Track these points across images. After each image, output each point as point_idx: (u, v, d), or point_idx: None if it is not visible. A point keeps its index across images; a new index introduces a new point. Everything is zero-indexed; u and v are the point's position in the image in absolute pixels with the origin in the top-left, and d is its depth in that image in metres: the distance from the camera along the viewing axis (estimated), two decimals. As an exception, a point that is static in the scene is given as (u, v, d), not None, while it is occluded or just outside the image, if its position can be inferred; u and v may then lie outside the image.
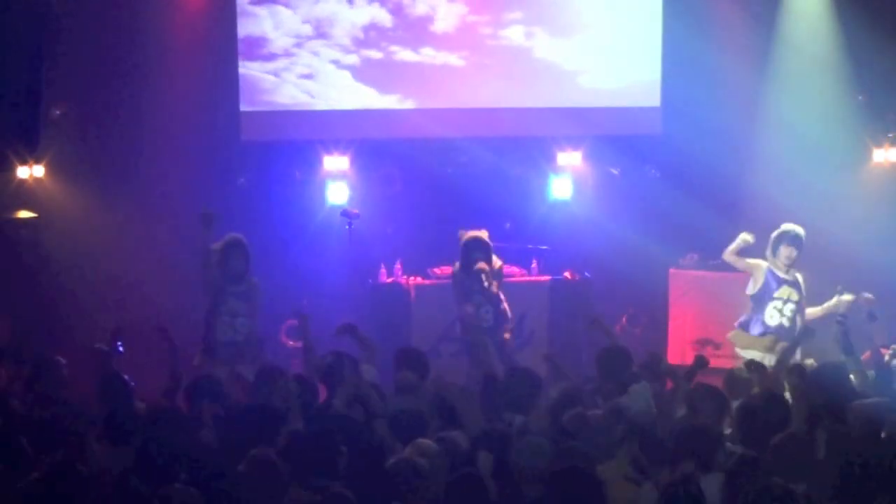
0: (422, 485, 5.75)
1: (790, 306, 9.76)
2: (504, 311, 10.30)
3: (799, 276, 9.88)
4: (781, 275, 9.83)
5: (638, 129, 12.63)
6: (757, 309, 9.91)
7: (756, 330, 9.84)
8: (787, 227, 9.89)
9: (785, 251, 9.81)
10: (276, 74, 12.35)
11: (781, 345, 9.34)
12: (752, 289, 9.94)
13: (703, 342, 11.40)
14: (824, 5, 12.25)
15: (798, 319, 9.75)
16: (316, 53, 12.39)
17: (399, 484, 5.72)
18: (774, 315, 9.78)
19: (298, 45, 12.36)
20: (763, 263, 9.92)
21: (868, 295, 9.35)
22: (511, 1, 12.52)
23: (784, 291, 9.81)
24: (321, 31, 12.37)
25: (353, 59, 12.42)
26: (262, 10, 12.29)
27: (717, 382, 9.14)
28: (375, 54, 12.43)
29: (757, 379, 7.68)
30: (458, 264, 10.29)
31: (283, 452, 6.33)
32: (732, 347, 10.12)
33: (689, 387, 7.50)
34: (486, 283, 10.02)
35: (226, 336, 9.54)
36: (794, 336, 9.45)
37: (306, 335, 8.68)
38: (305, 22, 12.34)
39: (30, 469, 6.30)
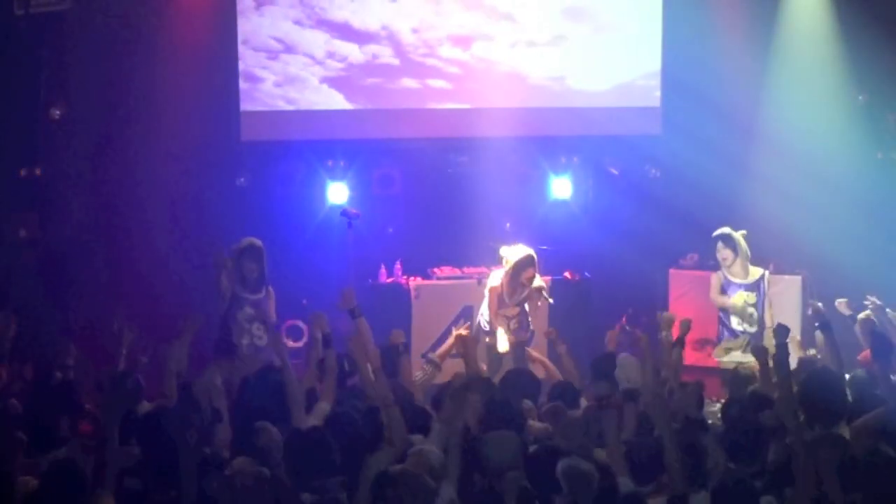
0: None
1: (750, 310, 9.86)
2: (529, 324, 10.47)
3: (762, 277, 9.97)
4: (734, 279, 9.96)
5: (638, 129, 12.63)
6: (724, 319, 10.06)
7: (724, 335, 9.97)
8: (719, 231, 10.05)
9: (718, 256, 10.03)
10: (275, 75, 12.37)
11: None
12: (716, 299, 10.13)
13: (703, 342, 11.35)
14: (824, 5, 12.25)
15: (766, 319, 9.86)
16: (314, 55, 12.40)
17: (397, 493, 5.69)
18: (739, 321, 9.90)
19: (296, 47, 12.37)
20: (718, 276, 10.10)
21: (841, 300, 9.39)
22: (512, 2, 12.51)
23: (740, 296, 9.90)
24: (318, 32, 12.38)
25: (351, 61, 12.42)
26: (255, 12, 12.33)
27: (717, 383, 9.21)
28: (372, 57, 12.44)
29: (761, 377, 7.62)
30: (502, 279, 10.18)
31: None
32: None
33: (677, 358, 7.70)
34: (546, 299, 10.23)
35: (245, 339, 9.55)
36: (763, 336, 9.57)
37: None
38: (300, 22, 12.37)
39: (29, 469, 6.32)
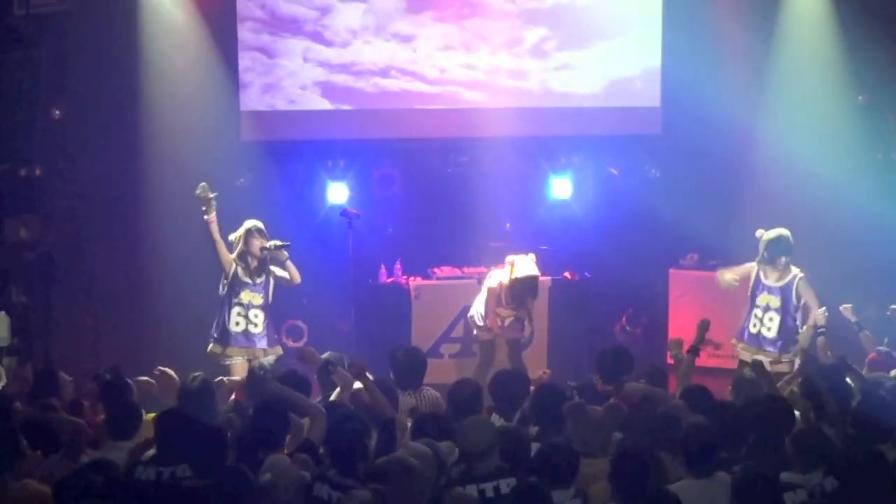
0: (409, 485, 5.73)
1: (770, 314, 9.71)
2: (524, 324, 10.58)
3: (793, 276, 9.78)
4: (765, 281, 9.80)
5: (638, 129, 12.62)
6: (747, 311, 9.93)
7: (745, 337, 9.88)
8: (780, 233, 9.81)
9: (785, 260, 9.76)
10: (274, 76, 12.37)
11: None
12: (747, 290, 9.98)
13: (704, 342, 11.37)
14: (824, 5, 12.24)
15: (783, 329, 9.71)
16: (313, 56, 12.39)
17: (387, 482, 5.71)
18: (756, 323, 9.78)
19: (295, 48, 12.36)
20: (752, 268, 9.91)
21: (846, 305, 9.39)
22: (512, 2, 12.51)
23: (763, 299, 9.78)
24: (317, 29, 12.38)
25: (350, 62, 12.42)
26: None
27: (717, 383, 9.20)
28: (373, 55, 12.44)
29: (763, 381, 7.65)
30: (501, 283, 10.40)
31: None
32: (732, 348, 10.15)
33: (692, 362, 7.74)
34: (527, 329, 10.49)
35: (238, 327, 9.70)
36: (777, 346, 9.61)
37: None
38: (300, 22, 12.37)
39: (30, 470, 6.33)
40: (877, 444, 6.10)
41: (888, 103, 12.18)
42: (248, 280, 9.81)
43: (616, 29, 12.55)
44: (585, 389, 7.68)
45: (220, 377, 8.62)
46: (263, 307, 9.86)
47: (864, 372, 8.26)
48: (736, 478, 5.82)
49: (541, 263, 11.72)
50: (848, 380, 7.53)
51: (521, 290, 10.35)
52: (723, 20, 12.33)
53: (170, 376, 7.97)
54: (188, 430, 6.23)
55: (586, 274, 11.82)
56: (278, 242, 9.82)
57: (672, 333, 11.87)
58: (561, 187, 12.58)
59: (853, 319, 9.27)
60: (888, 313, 9.42)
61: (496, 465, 6.00)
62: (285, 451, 6.48)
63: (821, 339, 8.75)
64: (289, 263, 9.84)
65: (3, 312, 10.68)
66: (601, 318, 12.09)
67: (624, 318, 12.44)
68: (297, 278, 9.92)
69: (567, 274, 11.75)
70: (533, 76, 12.55)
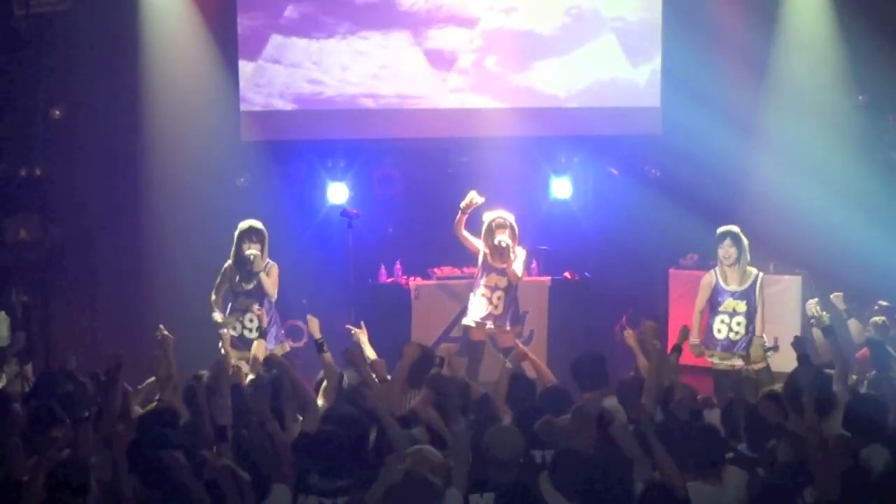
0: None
1: (738, 318, 9.63)
2: (517, 307, 10.39)
3: (755, 280, 9.67)
4: (726, 286, 9.70)
5: (638, 129, 12.63)
6: (709, 319, 9.84)
7: (707, 341, 9.78)
8: (719, 230, 9.81)
9: (720, 252, 9.73)
10: (274, 74, 12.37)
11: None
12: (699, 304, 9.88)
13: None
14: (824, 6, 12.25)
15: (756, 326, 9.62)
16: (313, 52, 12.39)
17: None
18: (722, 329, 9.68)
19: (293, 48, 12.36)
20: (710, 277, 9.82)
21: (836, 294, 9.35)
22: (512, 2, 12.50)
23: (729, 304, 9.70)
24: (317, 30, 12.38)
25: (349, 61, 12.41)
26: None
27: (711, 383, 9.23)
28: (372, 55, 12.43)
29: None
30: (483, 250, 10.34)
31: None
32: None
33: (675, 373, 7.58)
34: (510, 253, 10.16)
35: (234, 331, 9.73)
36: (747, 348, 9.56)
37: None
38: (296, 22, 12.37)
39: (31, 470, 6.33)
40: (867, 445, 6.09)
41: (888, 103, 12.19)
42: (243, 287, 9.82)
43: (616, 29, 12.56)
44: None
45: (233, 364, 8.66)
46: (263, 311, 9.82)
47: (854, 368, 8.27)
48: (754, 484, 5.79)
49: (542, 263, 11.80)
50: (835, 388, 7.49)
51: (492, 230, 10.27)
52: (723, 20, 12.34)
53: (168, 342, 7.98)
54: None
55: (586, 274, 11.82)
56: (254, 252, 9.76)
57: (672, 333, 11.88)
58: (561, 187, 12.59)
59: (842, 307, 9.24)
60: (875, 307, 9.38)
61: (515, 478, 5.84)
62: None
63: (816, 332, 8.69)
64: (262, 276, 9.78)
65: (2, 312, 10.68)
66: (601, 318, 12.08)
67: (624, 318, 12.42)
68: (272, 294, 9.84)
69: (567, 274, 11.75)
70: (533, 76, 12.55)
